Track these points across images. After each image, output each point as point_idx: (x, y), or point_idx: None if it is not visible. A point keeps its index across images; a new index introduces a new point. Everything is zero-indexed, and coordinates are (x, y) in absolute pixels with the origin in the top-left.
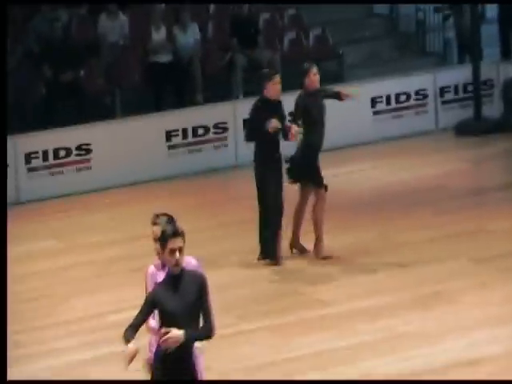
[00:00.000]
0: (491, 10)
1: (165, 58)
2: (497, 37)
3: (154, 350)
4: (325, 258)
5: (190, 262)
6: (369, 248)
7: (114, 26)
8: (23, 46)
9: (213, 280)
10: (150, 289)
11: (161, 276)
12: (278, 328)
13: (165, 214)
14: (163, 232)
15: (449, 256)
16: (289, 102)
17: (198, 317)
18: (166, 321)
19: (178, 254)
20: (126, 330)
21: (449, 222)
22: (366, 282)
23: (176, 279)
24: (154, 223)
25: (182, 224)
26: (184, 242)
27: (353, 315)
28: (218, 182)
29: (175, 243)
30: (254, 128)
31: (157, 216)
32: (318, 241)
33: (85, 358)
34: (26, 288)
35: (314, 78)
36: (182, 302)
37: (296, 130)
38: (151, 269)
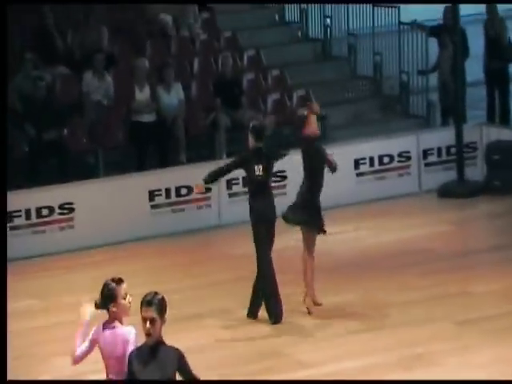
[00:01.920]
0: (474, 74)
1: (148, 117)
2: (480, 99)
3: None
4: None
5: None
6: (352, 309)
7: (99, 85)
8: None
9: (194, 340)
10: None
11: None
12: None
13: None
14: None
15: (432, 318)
16: (277, 163)
17: None
18: None
19: (148, 324)
20: None
21: (432, 284)
22: (348, 343)
23: (152, 350)
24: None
25: (164, 284)
26: (159, 312)
27: (335, 377)
28: (201, 242)
29: (147, 312)
30: None
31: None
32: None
33: None
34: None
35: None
36: (158, 374)
37: None
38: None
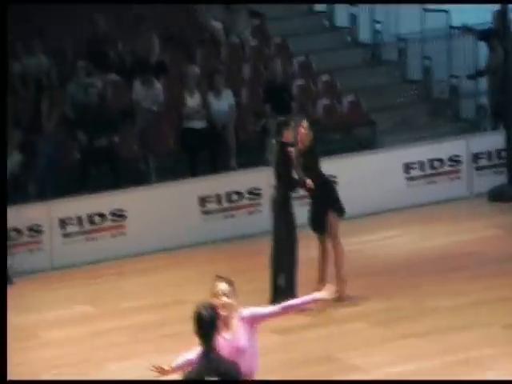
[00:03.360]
0: None
1: (199, 123)
2: None
3: None
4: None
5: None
6: (401, 313)
7: (149, 92)
8: (59, 112)
9: None
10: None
11: None
12: None
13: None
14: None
15: (482, 322)
16: (327, 168)
17: None
18: None
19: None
20: None
21: (482, 288)
22: (398, 348)
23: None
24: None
25: None
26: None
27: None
28: (253, 248)
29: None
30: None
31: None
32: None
33: None
34: (62, 353)
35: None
36: None
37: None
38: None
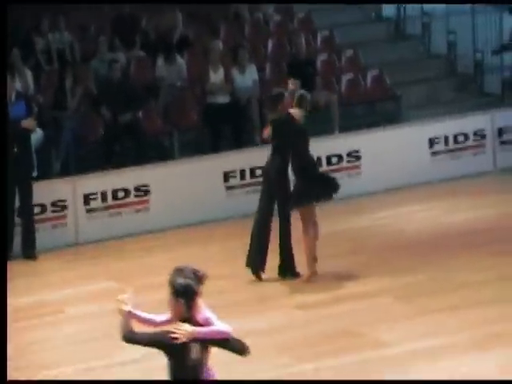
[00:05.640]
0: None
1: (222, 99)
2: None
3: None
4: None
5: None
6: (426, 288)
7: (172, 68)
8: (82, 88)
9: (266, 321)
10: None
11: None
12: (341, 369)
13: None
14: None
15: (506, 297)
16: (351, 143)
17: None
18: None
19: None
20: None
21: (506, 263)
22: (423, 323)
23: None
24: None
25: (240, 265)
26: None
27: (413, 356)
28: (276, 223)
29: None
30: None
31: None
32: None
33: None
34: (86, 328)
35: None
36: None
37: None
38: None
